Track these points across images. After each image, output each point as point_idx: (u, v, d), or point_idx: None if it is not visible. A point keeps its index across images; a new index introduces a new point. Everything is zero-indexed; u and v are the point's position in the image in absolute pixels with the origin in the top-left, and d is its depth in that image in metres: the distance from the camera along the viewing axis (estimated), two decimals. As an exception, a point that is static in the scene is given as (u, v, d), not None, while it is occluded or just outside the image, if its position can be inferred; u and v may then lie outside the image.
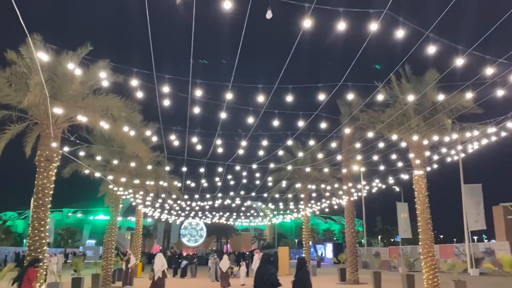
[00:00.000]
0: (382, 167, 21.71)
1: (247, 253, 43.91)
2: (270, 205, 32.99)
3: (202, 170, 17.02)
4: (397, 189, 40.18)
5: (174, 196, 25.62)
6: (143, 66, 9.72)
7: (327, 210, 32.82)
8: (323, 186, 26.54)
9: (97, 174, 18.53)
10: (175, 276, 30.31)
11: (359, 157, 21.57)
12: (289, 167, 21.08)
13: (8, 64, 13.67)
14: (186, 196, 26.12)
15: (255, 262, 23.50)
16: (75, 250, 64.42)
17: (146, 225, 78.76)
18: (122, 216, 77.15)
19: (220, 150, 14.60)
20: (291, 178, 28.19)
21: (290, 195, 29.08)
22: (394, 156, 19.61)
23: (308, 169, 24.29)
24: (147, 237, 77.05)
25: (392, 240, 75.85)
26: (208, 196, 26.35)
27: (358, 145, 18.69)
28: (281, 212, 42.06)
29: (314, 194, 29.10)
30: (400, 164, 20.60)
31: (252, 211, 48.45)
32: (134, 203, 27.88)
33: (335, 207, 30.27)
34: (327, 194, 28.66)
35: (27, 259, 12.95)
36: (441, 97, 15.06)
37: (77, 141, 15.42)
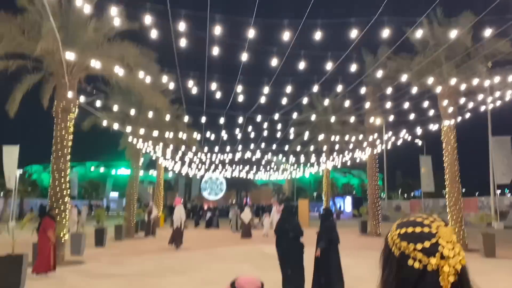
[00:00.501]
0: (405, 119, 20.91)
1: (266, 206, 44.33)
2: (291, 158, 32.60)
3: (222, 120, 16.45)
4: (419, 142, 39.33)
5: (193, 149, 25.44)
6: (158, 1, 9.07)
7: (348, 163, 32.32)
8: (346, 137, 25.93)
9: (116, 126, 18.31)
10: (197, 226, 30.88)
11: (382, 108, 20.76)
12: (313, 117, 20.40)
13: (19, 11, 13.17)
14: (205, 149, 25.86)
15: (273, 214, 23.64)
16: (99, 203, 66.30)
17: (167, 179, 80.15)
18: (143, 170, 78.72)
19: (240, 98, 13.96)
20: (313, 130, 27.58)
21: (311, 147, 28.57)
22: (418, 108, 18.74)
23: (332, 119, 23.54)
24: (169, 190, 78.61)
25: (412, 194, 75.47)
26: (228, 149, 26.06)
27: (382, 95, 17.88)
28: (301, 166, 41.83)
29: (336, 147, 28.52)
30: (424, 116, 19.77)
31: (271, 165, 48.46)
32: (154, 157, 27.90)
33: (358, 160, 29.73)
34: (350, 145, 28.05)
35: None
36: (475, 41, 14.03)
37: (94, 92, 15.04)
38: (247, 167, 38.91)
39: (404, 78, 14.92)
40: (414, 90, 16.71)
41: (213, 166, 35.56)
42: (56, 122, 13.52)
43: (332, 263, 8.28)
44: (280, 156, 30.74)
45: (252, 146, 24.99)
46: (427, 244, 1.08)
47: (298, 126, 27.49)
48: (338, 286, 8.25)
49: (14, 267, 8.02)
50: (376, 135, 24.30)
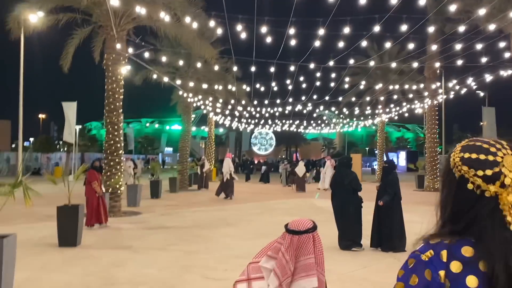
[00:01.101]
0: (467, 66, 19.18)
1: (317, 161, 43.77)
2: (344, 111, 31.41)
3: (272, 69, 15.67)
4: (481, 93, 36.56)
5: (243, 102, 25.08)
6: None
7: (406, 115, 30.71)
8: (404, 87, 24.42)
9: (165, 79, 18.21)
10: (247, 181, 31.11)
11: (444, 54, 19.11)
12: (371, 63, 19.10)
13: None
14: (255, 102, 25.34)
15: (326, 168, 23.23)
16: (154, 157, 68.72)
17: (218, 134, 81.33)
18: (196, 125, 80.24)
19: (292, 42, 13.08)
20: (368, 79, 26.15)
21: (367, 98, 27.24)
22: (482, 54, 16.98)
23: (392, 64, 22.12)
24: (220, 145, 79.90)
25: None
26: (278, 101, 25.34)
27: (443, 41, 16.33)
28: (353, 119, 40.52)
29: (394, 97, 27.02)
30: (490, 62, 17.96)
31: (322, 119, 47.40)
32: (204, 111, 27.92)
33: (416, 111, 28.13)
34: (408, 96, 26.49)
35: (104, 162, 13.34)
36: None
37: (143, 44, 14.83)
38: (297, 121, 38.19)
39: (474, 17, 13.37)
40: (480, 32, 15.09)
41: (262, 120, 35.20)
42: (107, 75, 13.53)
43: (395, 218, 7.78)
44: (332, 109, 29.52)
45: (303, 98, 24.07)
46: (488, 172, 1.09)
47: (353, 76, 26.21)
48: (400, 242, 7.76)
49: (71, 218, 8.20)
50: (436, 85, 22.68)
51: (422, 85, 24.68)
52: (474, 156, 1.12)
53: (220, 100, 23.02)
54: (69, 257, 7.45)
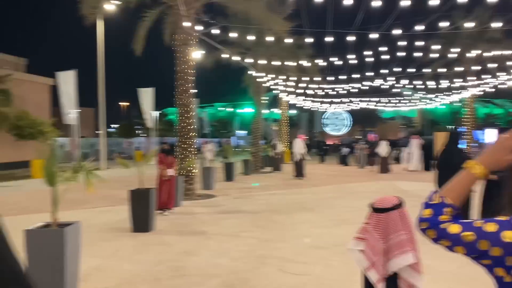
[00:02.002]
0: None
1: (396, 140, 41.23)
2: (427, 85, 28.78)
3: (349, 39, 14.25)
4: None
5: (316, 79, 23.84)
6: None
7: (495, 89, 27.51)
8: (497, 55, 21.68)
9: (236, 58, 17.69)
10: (322, 162, 30.03)
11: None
12: (466, 24, 16.96)
13: None
14: (329, 79, 23.80)
15: (412, 148, 21.70)
16: (228, 140, 69.77)
17: (290, 116, 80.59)
18: (268, 108, 79.98)
19: (373, 4, 11.67)
20: (456, 47, 23.55)
21: (455, 69, 24.62)
22: None
23: (493, 24, 19.53)
24: (292, 127, 79.03)
25: None
26: (354, 77, 23.67)
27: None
28: (436, 95, 37.37)
29: (487, 67, 24.16)
30: None
31: (401, 96, 44.40)
32: (276, 91, 27.12)
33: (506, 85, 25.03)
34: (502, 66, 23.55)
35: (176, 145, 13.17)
36: None
37: (211, 21, 14.33)
38: (375, 99, 35.99)
39: None
40: None
41: (337, 99, 33.62)
42: (176, 57, 13.23)
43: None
44: (415, 82, 27.00)
45: (382, 71, 22.09)
46: None
47: (439, 44, 23.76)
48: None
49: (142, 202, 7.93)
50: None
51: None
52: None
53: (292, 79, 21.97)
54: (141, 243, 7.17)
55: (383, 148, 21.17)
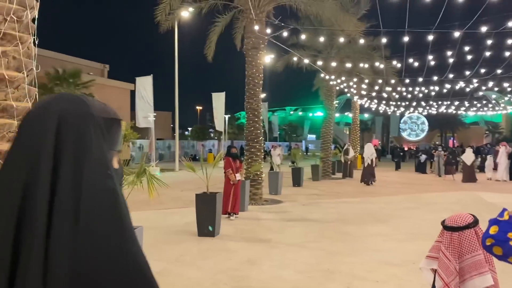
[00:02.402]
0: None
1: (482, 147, 38.13)
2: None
3: (429, 38, 13.19)
4: None
5: (392, 82, 22.66)
6: None
7: None
8: None
9: (306, 61, 17.33)
10: (398, 169, 28.52)
11: None
12: None
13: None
14: (406, 81, 22.42)
15: (500, 156, 19.83)
16: (296, 144, 69.38)
17: (363, 120, 78.02)
18: (339, 111, 78.35)
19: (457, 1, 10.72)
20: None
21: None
22: None
23: None
24: (365, 131, 76.79)
25: None
26: (434, 79, 22.10)
27: None
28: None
29: None
30: None
31: (486, 100, 41.10)
32: (348, 95, 26.30)
33: None
34: None
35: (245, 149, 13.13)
36: None
37: (282, 24, 14.13)
38: (456, 102, 33.54)
39: None
40: None
41: (414, 103, 31.82)
42: (247, 60, 13.20)
43: None
44: (505, 85, 24.65)
45: (466, 73, 20.36)
46: None
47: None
48: None
49: (208, 207, 7.88)
50: None
51: None
52: None
53: (366, 81, 21.07)
54: (205, 248, 7.10)
55: (468, 156, 19.61)
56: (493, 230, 1.25)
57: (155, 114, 25.24)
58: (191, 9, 16.74)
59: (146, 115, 24.07)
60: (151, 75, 24.14)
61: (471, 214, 2.18)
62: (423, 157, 26.13)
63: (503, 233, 1.21)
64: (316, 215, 10.48)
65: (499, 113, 67.60)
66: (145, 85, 24.41)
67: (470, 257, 2.08)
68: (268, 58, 28.81)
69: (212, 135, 61.33)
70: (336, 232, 8.48)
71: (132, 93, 31.13)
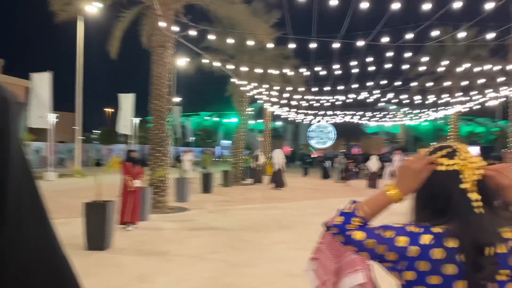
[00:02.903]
0: None
1: (382, 155, 40.91)
2: (411, 99, 28.43)
3: (334, 47, 13.54)
4: None
5: (301, 89, 23.19)
6: None
7: (478, 106, 27.37)
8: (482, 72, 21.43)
9: (216, 64, 16.98)
10: (305, 175, 29.38)
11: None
12: (459, 35, 16.53)
13: None
14: (314, 89, 23.01)
15: (395, 163, 21.26)
16: (209, 149, 68.84)
17: (276, 127, 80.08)
18: (253, 119, 79.45)
19: (359, 14, 11.10)
20: (441, 62, 23.30)
21: (444, 84, 24.32)
22: None
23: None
24: (277, 138, 78.72)
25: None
26: (339, 88, 23.04)
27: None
28: (420, 112, 37.26)
29: (471, 84, 23.98)
30: None
31: (385, 112, 44.27)
32: (260, 101, 26.49)
33: (491, 102, 24.90)
34: (488, 83, 23.38)
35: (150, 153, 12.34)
36: None
37: (191, 23, 13.60)
38: (359, 112, 35.58)
39: None
40: None
41: (321, 112, 33.10)
42: (153, 59, 12.45)
43: None
44: (402, 96, 26.53)
45: (369, 83, 21.48)
46: (449, 150, 1.31)
47: (428, 57, 23.61)
48: None
49: (98, 217, 7.06)
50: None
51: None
52: (432, 148, 1.37)
53: (276, 88, 21.29)
54: (92, 264, 6.28)
55: (373, 163, 20.70)
56: (338, 220, 1.38)
57: (58, 114, 23.08)
58: (95, 2, 15.58)
59: (42, 115, 21.87)
60: (49, 72, 22.03)
61: None
62: (327, 164, 27.37)
63: (344, 224, 1.35)
64: (222, 223, 10.06)
65: (397, 124, 73.70)
66: (42, 82, 22.22)
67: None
68: (178, 59, 28.03)
69: (122, 139, 58.38)
70: (240, 240, 8.13)
71: (29, 91, 28.27)
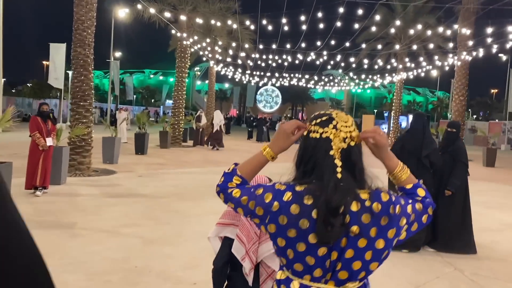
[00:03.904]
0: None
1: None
2: (354, 67, 28.17)
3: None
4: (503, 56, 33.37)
5: (247, 46, 21.90)
6: None
7: (422, 74, 27.70)
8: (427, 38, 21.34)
9: (152, 11, 15.30)
10: (249, 139, 28.68)
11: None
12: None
13: None
14: (261, 46, 21.72)
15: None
16: (156, 109, 66.20)
17: (223, 89, 78.25)
18: (200, 80, 76.91)
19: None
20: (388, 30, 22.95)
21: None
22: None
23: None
24: (224, 100, 77.24)
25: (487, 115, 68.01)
26: (285, 51, 22.01)
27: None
28: (365, 79, 37.39)
29: (415, 51, 23.94)
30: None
31: (331, 78, 44.18)
32: (204, 58, 24.94)
33: (434, 72, 25.19)
34: (433, 51, 23.44)
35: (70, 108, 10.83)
36: None
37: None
38: (306, 76, 34.94)
39: None
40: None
41: (268, 73, 32.07)
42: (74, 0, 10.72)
43: (458, 205, 5.34)
44: (340, 70, 26.16)
45: (318, 44, 20.52)
46: (324, 118, 1.43)
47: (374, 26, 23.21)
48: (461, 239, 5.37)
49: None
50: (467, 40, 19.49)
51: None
52: (313, 115, 1.48)
53: (220, 44, 19.72)
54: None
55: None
56: (221, 180, 1.54)
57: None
58: None
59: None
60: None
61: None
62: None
63: (225, 183, 1.53)
64: (150, 189, 8.98)
65: (341, 91, 74.64)
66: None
67: None
68: (122, 12, 25.56)
69: (58, 94, 54.37)
70: (166, 210, 7.13)
71: None
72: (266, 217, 1.36)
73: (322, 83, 41.07)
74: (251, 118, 33.93)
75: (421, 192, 1.44)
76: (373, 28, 20.55)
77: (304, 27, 16.37)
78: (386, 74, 29.15)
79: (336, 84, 45.84)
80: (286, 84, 36.78)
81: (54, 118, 8.51)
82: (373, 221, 1.29)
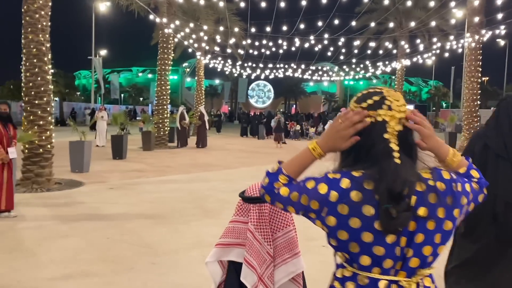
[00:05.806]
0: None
1: (321, 115, 39.29)
2: (350, 57, 26.39)
3: None
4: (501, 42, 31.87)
5: (236, 30, 19.86)
6: None
7: (430, 61, 26.11)
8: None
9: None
10: (243, 136, 26.84)
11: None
12: None
13: None
14: (253, 30, 19.40)
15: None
16: (144, 108, 63.92)
17: (213, 85, 76.09)
18: (190, 77, 74.64)
19: None
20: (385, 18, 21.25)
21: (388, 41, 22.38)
22: None
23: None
24: (215, 97, 75.24)
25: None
26: (277, 43, 20.03)
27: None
28: (360, 70, 35.68)
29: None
30: None
31: (323, 69, 42.43)
32: (189, 49, 22.92)
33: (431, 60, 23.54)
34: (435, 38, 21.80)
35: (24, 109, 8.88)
36: None
37: None
38: (301, 66, 33.00)
39: None
40: None
41: (261, 64, 30.09)
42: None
43: None
44: (336, 67, 24.36)
45: (317, 25, 18.56)
46: (375, 98, 1.26)
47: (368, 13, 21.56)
48: None
49: None
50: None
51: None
52: (360, 94, 1.31)
53: (205, 28, 17.55)
54: None
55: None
56: (266, 181, 1.35)
57: None
58: None
59: None
60: None
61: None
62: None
63: (271, 183, 1.33)
64: (119, 208, 7.08)
65: (334, 84, 72.96)
66: None
67: (282, 235, 1.79)
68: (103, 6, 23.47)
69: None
70: (133, 243, 5.21)
71: None
72: (322, 210, 1.23)
73: (317, 74, 39.26)
74: (247, 114, 32.15)
75: (475, 173, 1.35)
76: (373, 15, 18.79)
77: (303, 2, 14.32)
78: (387, 62, 27.36)
79: (330, 76, 44.12)
80: (281, 75, 34.76)
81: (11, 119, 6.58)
82: (440, 201, 1.20)
